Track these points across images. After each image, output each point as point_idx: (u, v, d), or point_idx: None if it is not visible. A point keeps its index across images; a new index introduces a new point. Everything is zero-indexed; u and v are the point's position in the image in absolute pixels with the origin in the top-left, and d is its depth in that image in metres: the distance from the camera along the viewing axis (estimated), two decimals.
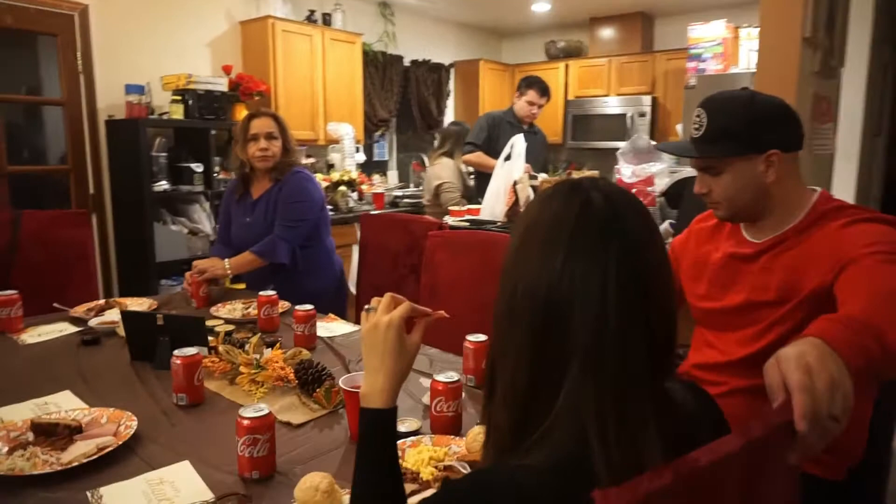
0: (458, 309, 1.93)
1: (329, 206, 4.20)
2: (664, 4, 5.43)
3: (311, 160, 4.55)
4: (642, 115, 5.55)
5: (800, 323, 1.16)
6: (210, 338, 1.67)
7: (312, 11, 4.45)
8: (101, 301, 2.21)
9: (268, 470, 1.10)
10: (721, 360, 1.31)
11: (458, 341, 1.57)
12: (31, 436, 1.19)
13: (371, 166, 5.56)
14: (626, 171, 3.11)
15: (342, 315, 2.56)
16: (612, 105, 5.71)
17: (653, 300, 0.65)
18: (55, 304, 2.12)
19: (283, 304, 2.15)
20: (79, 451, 1.14)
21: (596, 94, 5.87)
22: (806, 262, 1.17)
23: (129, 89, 3.41)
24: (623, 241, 0.65)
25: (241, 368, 1.50)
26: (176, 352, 1.41)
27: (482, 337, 1.53)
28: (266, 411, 1.11)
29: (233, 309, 2.15)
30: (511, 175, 3.17)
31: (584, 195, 0.69)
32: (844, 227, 1.15)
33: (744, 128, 1.17)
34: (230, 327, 1.94)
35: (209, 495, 1.03)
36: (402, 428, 1.26)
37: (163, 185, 3.40)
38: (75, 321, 2.02)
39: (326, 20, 4.57)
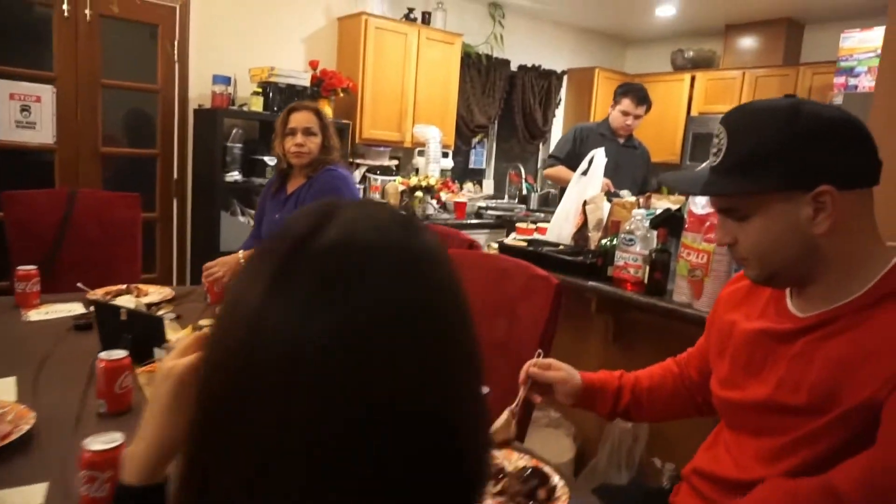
0: None
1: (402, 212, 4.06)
2: (818, 8, 4.68)
3: (394, 162, 4.44)
4: None
5: (841, 446, 0.78)
6: None
7: (411, 9, 4.34)
8: (123, 286, 2.20)
9: None
10: (732, 477, 0.94)
11: None
12: None
13: (466, 174, 5.37)
14: None
15: None
16: None
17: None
18: (78, 284, 2.13)
19: None
20: None
21: (723, 110, 5.18)
22: (860, 358, 0.79)
23: (216, 80, 3.48)
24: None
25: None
26: (102, 354, 1.29)
27: None
28: (117, 443, 0.93)
29: None
30: (584, 193, 2.81)
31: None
32: None
33: (780, 152, 0.81)
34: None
35: None
36: None
37: (235, 175, 3.44)
38: (89, 303, 2.02)
39: (426, 19, 4.44)
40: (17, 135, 3.15)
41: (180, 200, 3.71)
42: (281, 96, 3.52)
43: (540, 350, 1.16)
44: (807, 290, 0.88)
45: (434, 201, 4.26)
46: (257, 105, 3.49)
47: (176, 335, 1.65)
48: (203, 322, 1.89)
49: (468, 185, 5.13)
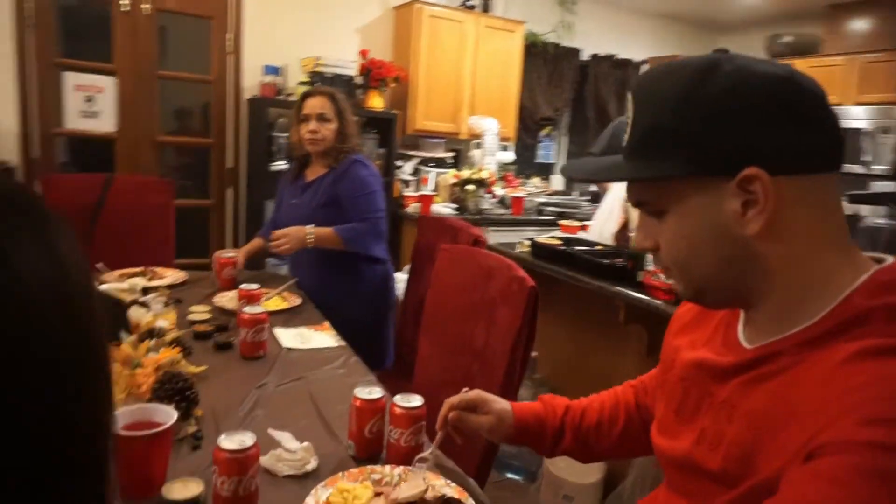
0: (438, 340, 1.56)
1: (454, 205, 3.93)
2: None
3: (450, 154, 4.32)
4: (886, 131, 4.26)
5: None
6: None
7: None
8: (140, 268, 2.23)
9: None
10: None
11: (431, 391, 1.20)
12: None
13: (533, 168, 5.15)
14: None
15: (380, 324, 2.28)
16: (847, 117, 4.47)
17: None
18: (98, 265, 2.18)
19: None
20: None
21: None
22: (785, 414, 0.56)
23: (267, 70, 3.51)
24: None
25: (117, 366, 1.31)
26: None
27: (376, 392, 1.12)
28: (249, 445, 0.91)
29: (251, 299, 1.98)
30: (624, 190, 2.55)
31: None
32: (860, 358, 0.53)
33: (683, 125, 0.59)
34: (205, 318, 1.79)
35: None
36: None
37: (281, 164, 3.45)
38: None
39: (486, 6, 4.27)
40: (82, 124, 3.32)
41: (235, 188, 3.78)
42: (329, 85, 3.49)
43: (466, 388, 0.99)
44: (754, 314, 0.65)
45: (488, 195, 4.09)
46: None
47: (161, 319, 1.62)
48: (195, 308, 1.87)
49: (535, 181, 4.91)
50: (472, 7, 4.18)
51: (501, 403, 0.96)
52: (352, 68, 3.60)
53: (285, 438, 1.11)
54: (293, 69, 3.65)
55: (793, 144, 0.58)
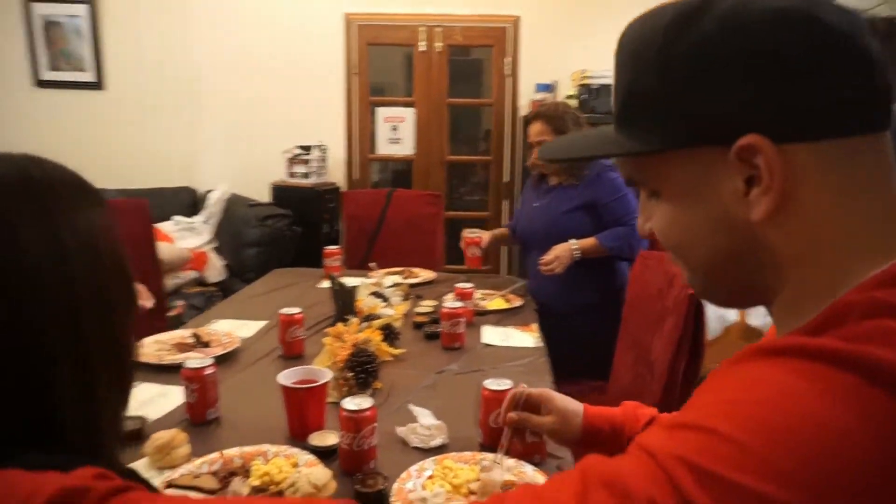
0: (629, 349, 1.33)
1: None
2: None
3: None
4: None
5: None
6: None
7: None
8: (401, 268, 2.61)
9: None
10: None
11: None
12: None
13: None
14: None
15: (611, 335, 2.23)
16: None
17: None
18: (370, 264, 2.62)
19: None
20: None
21: None
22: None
23: (539, 88, 3.71)
24: None
25: (329, 339, 1.59)
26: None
27: (506, 383, 1.16)
28: (367, 405, 1.07)
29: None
30: None
31: None
32: (747, 358, 0.42)
33: (673, 83, 0.48)
34: (427, 311, 2.01)
35: None
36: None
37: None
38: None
39: None
40: (389, 149, 4.02)
41: (510, 201, 4.08)
42: (594, 98, 3.52)
43: (523, 383, 0.96)
44: (773, 314, 0.53)
45: None
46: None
47: (390, 309, 1.92)
48: (425, 303, 2.12)
49: None
50: None
51: (570, 404, 0.91)
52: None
53: (423, 415, 1.23)
54: (563, 84, 3.78)
55: (806, 101, 0.44)
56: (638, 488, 0.35)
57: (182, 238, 3.46)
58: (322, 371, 1.24)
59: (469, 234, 2.44)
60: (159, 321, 2.31)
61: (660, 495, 0.35)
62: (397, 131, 3.99)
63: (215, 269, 3.46)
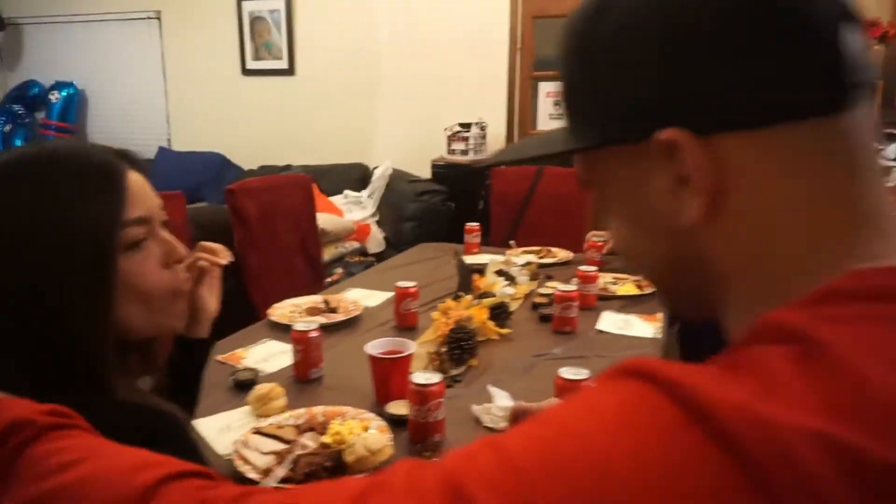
0: None
1: None
2: None
3: None
4: None
5: None
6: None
7: None
8: (538, 248, 2.58)
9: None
10: None
11: None
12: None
13: None
14: None
15: None
16: None
17: None
18: (510, 241, 2.64)
19: None
20: None
21: None
22: None
23: None
24: None
25: (437, 313, 1.64)
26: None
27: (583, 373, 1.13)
28: (434, 380, 1.11)
29: None
30: None
31: None
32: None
33: (592, 76, 0.43)
34: (549, 293, 1.97)
35: None
36: None
37: None
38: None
39: None
40: (550, 124, 3.95)
41: None
42: None
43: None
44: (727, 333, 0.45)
45: None
46: None
47: (511, 288, 1.95)
48: (550, 284, 2.08)
49: None
50: None
51: None
52: None
53: (500, 396, 1.24)
54: None
55: (732, 86, 0.37)
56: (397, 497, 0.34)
57: (349, 211, 3.78)
58: (408, 343, 1.30)
59: (592, 237, 2.33)
60: (318, 286, 2.57)
61: None
62: (559, 106, 3.89)
63: (376, 240, 3.72)
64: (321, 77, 4.38)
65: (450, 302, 1.65)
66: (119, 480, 0.43)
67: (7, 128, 5.03)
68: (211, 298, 0.93)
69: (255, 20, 4.46)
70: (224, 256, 0.96)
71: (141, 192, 0.71)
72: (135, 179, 0.70)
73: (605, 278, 2.07)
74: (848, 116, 0.37)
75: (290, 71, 4.44)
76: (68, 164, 0.67)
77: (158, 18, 4.72)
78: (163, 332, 0.76)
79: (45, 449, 0.45)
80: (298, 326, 1.36)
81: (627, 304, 1.91)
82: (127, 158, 0.73)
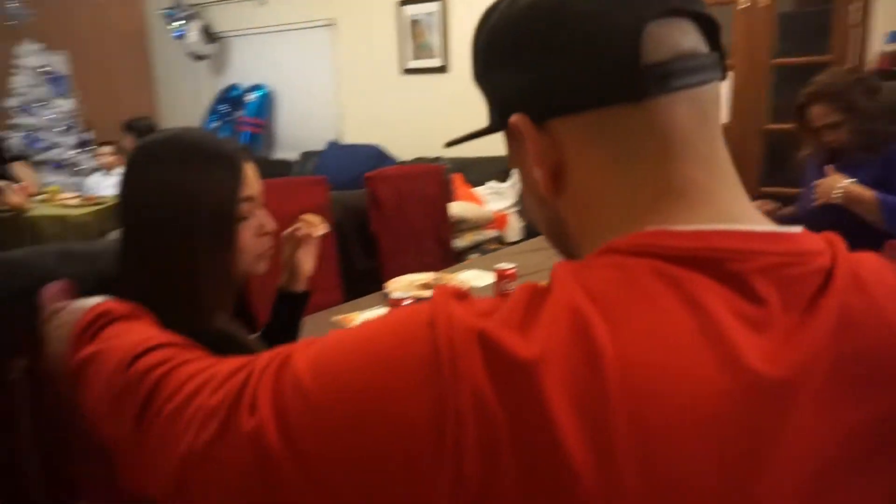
0: None
1: None
2: None
3: None
4: None
5: None
6: None
7: None
8: None
9: None
10: None
11: None
12: None
13: None
14: None
15: None
16: None
17: None
18: None
19: None
20: None
21: None
22: None
23: (891, 38, 3.01)
24: None
25: None
26: None
27: None
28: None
29: None
30: None
31: None
32: None
33: (480, 67, 0.54)
34: None
35: None
36: None
37: None
38: None
39: None
40: None
41: None
42: None
43: None
44: None
45: None
46: None
47: None
48: None
49: None
50: None
51: None
52: None
53: None
54: None
55: (555, 78, 0.47)
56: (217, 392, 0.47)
57: (491, 201, 3.97)
58: None
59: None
60: (446, 268, 2.79)
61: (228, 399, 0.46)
62: None
63: (514, 229, 3.87)
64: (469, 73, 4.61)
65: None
66: (125, 350, 0.59)
67: (216, 125, 5.97)
68: (307, 259, 1.16)
69: (414, 22, 4.81)
70: (321, 228, 1.19)
71: (252, 178, 0.94)
72: (249, 167, 0.94)
73: None
74: (662, 101, 0.45)
75: (443, 69, 4.73)
76: (206, 149, 0.91)
77: (333, 25, 5.27)
78: (244, 279, 0.99)
79: (112, 329, 0.66)
80: (395, 295, 1.57)
81: None
82: (245, 151, 0.97)
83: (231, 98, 5.93)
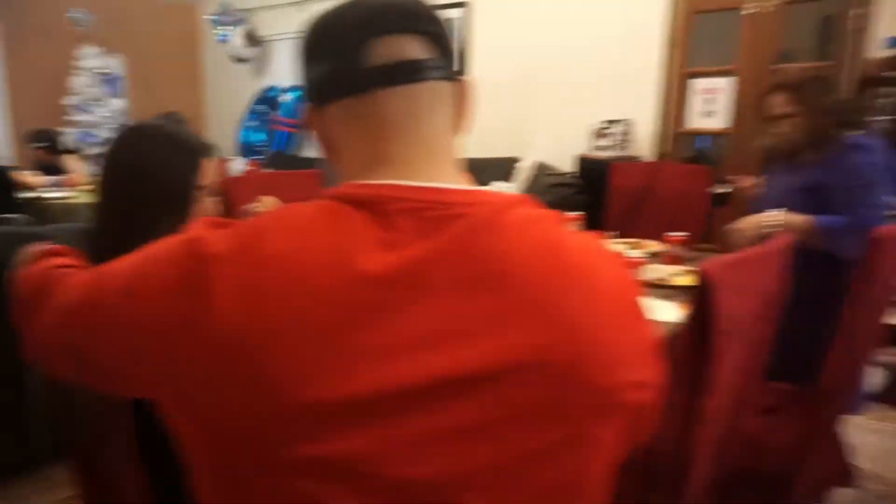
0: None
1: None
2: None
3: None
4: None
5: None
6: None
7: None
8: (633, 240, 2.65)
9: None
10: None
11: None
12: None
13: None
14: None
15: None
16: None
17: None
18: (612, 232, 2.74)
19: None
20: None
21: None
22: None
23: (889, 43, 3.00)
24: None
25: None
26: None
27: None
28: None
29: None
30: None
31: None
32: None
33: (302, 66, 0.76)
34: None
35: None
36: None
37: None
38: None
39: None
40: (700, 122, 3.84)
41: None
42: None
43: None
44: None
45: None
46: None
47: None
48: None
49: None
50: None
51: None
52: None
53: None
54: None
55: (314, 77, 0.66)
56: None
57: None
58: None
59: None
60: None
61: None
62: (711, 104, 3.77)
63: None
64: (488, 79, 4.77)
65: None
66: (46, 266, 0.77)
67: (254, 123, 6.35)
68: None
69: None
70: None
71: (208, 170, 1.17)
72: (208, 162, 1.17)
73: (671, 270, 2.14)
74: (380, 94, 0.62)
75: (461, 73, 4.90)
76: (176, 140, 1.16)
77: None
78: None
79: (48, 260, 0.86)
80: None
81: (674, 293, 1.96)
82: (208, 148, 1.19)
83: (269, 99, 6.29)
